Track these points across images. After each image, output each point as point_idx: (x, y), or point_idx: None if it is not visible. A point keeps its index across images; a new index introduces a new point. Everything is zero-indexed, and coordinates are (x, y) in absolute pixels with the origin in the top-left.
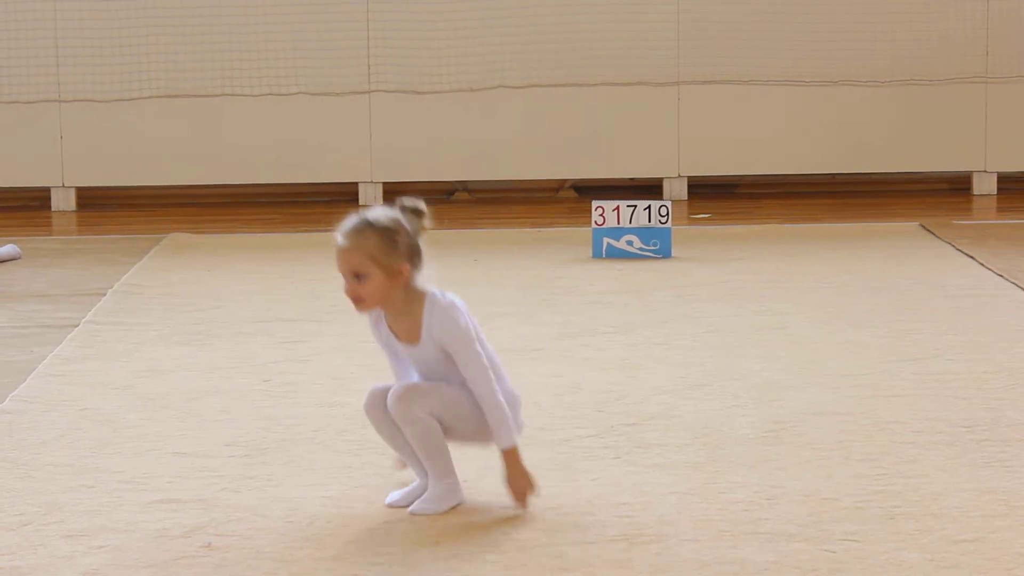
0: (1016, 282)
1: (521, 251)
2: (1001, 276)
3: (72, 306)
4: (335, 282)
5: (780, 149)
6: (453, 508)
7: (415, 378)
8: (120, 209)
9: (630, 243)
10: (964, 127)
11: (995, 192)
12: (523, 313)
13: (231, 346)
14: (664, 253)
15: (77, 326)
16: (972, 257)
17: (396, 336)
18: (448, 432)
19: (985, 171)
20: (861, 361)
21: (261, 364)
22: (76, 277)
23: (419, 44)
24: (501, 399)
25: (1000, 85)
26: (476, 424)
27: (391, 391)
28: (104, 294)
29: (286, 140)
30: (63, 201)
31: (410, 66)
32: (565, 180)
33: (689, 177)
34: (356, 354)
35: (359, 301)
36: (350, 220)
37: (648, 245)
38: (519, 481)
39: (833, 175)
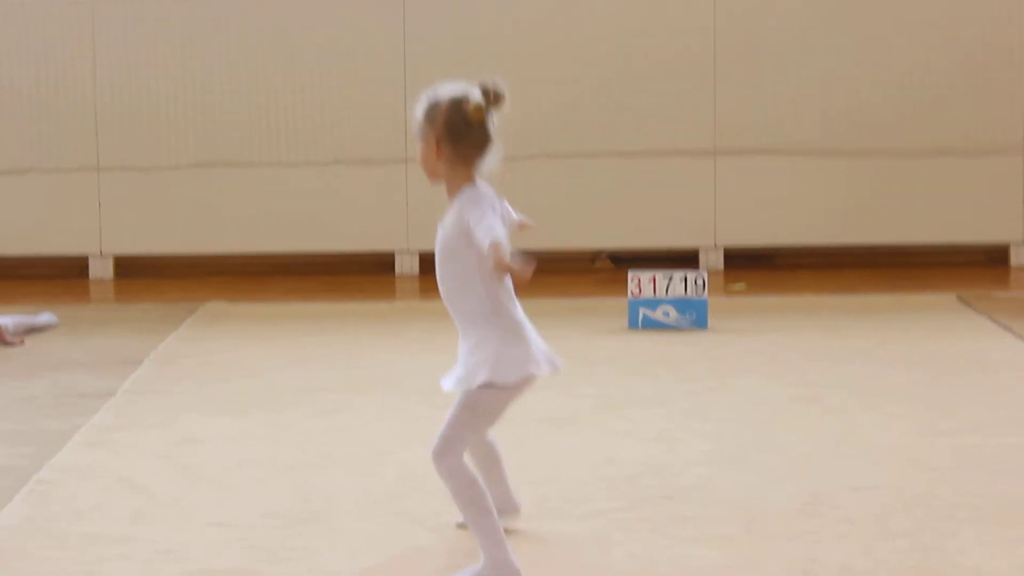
0: None
1: (557, 321)
2: None
3: (109, 375)
4: (372, 352)
5: (817, 219)
6: None
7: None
8: (158, 277)
9: (666, 314)
10: (1002, 198)
11: None
12: (559, 384)
13: (268, 416)
14: (700, 324)
15: (114, 395)
16: (1010, 330)
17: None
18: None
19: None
20: (898, 434)
21: (299, 434)
22: (113, 346)
23: None
24: (487, 227)
25: None
26: (498, 413)
27: None
28: (141, 363)
29: (323, 209)
30: (101, 269)
31: None
32: (601, 250)
33: (725, 247)
34: (394, 424)
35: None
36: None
37: (684, 316)
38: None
39: (870, 246)
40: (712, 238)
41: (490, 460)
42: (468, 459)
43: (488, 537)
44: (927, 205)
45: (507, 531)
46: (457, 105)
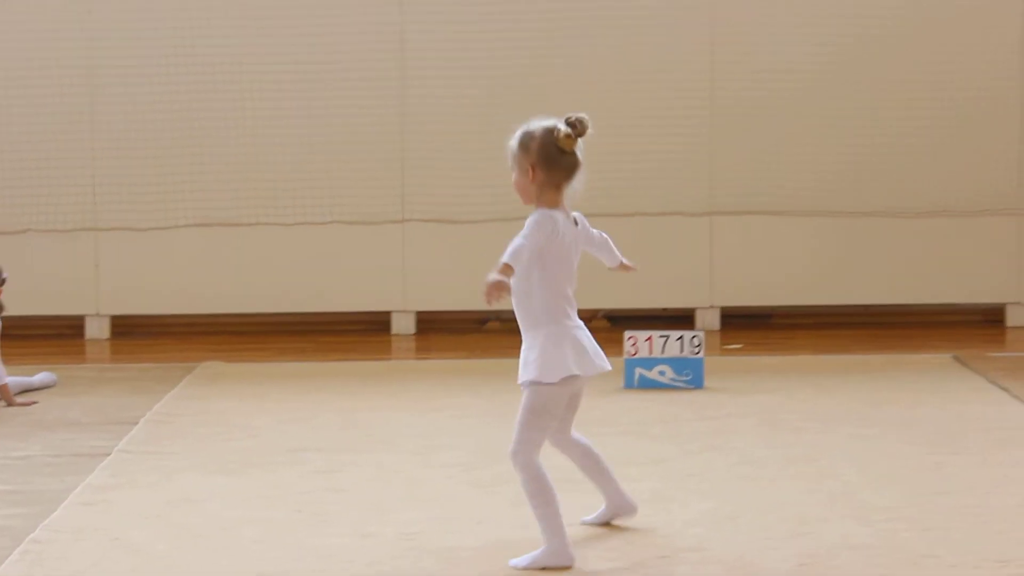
0: None
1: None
2: None
3: (105, 435)
4: (368, 412)
5: (813, 280)
6: (555, 569)
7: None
8: (154, 337)
9: (663, 373)
10: (998, 259)
11: None
12: None
13: (264, 475)
14: (697, 384)
15: (110, 455)
16: (1006, 390)
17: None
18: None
19: (1019, 303)
20: (894, 494)
21: (295, 494)
22: (109, 405)
23: (453, 174)
24: (513, 250)
25: None
26: (554, 409)
27: None
28: (137, 423)
29: (320, 269)
30: (98, 329)
31: (444, 195)
32: (598, 310)
33: (722, 307)
34: (390, 484)
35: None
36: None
37: (681, 376)
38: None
39: (866, 306)
40: (708, 298)
41: (589, 459)
42: (573, 463)
43: (548, 526)
44: (922, 265)
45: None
46: (549, 134)
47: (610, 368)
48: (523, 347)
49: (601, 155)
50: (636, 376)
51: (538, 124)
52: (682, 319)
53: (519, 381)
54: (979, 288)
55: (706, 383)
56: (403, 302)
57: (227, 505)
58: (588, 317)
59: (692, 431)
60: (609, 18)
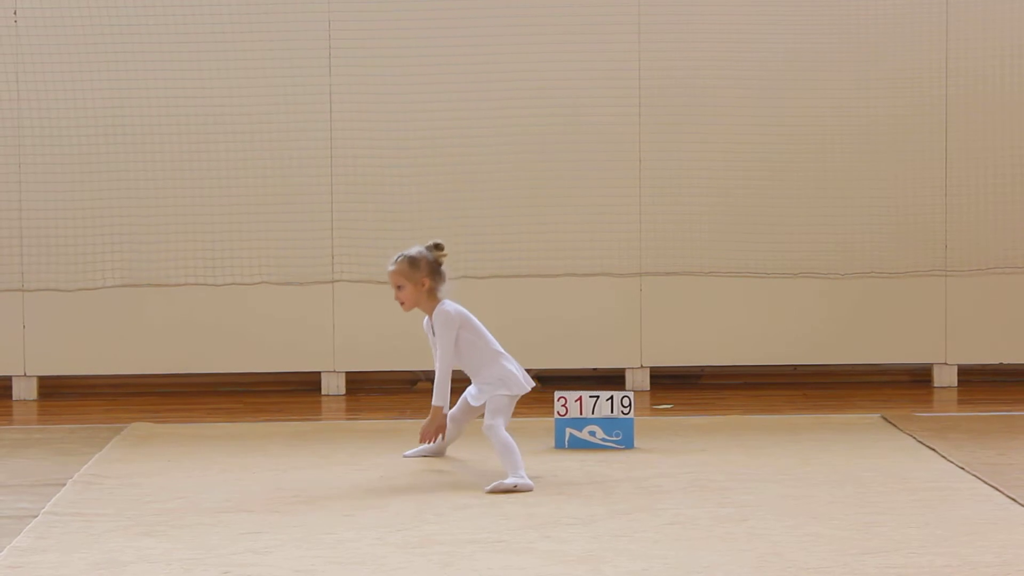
0: (978, 475)
1: (483, 441)
2: (963, 469)
3: (31, 497)
4: (297, 472)
5: (741, 340)
6: (520, 490)
7: (437, 355)
8: (82, 398)
9: (593, 434)
10: (924, 320)
11: (956, 384)
12: (485, 504)
13: (191, 537)
14: (627, 444)
15: (36, 517)
16: (934, 450)
17: (432, 329)
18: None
19: (946, 363)
20: (823, 554)
21: (222, 556)
22: (36, 467)
23: (383, 235)
24: (444, 377)
25: (959, 278)
26: (504, 400)
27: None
28: (64, 484)
29: (249, 330)
30: (25, 390)
31: (374, 256)
32: (528, 370)
33: (651, 368)
34: (317, 546)
35: (402, 303)
36: (396, 255)
37: (611, 436)
38: (430, 426)
39: (794, 366)
40: (638, 358)
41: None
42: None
43: (511, 463)
44: (850, 326)
45: None
46: (432, 252)
47: (536, 384)
48: (478, 380)
49: (529, 217)
50: (566, 436)
51: (415, 249)
52: (612, 379)
53: (478, 403)
54: (906, 349)
55: (636, 443)
56: (333, 362)
57: (154, 567)
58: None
59: (622, 491)
60: (540, 90)
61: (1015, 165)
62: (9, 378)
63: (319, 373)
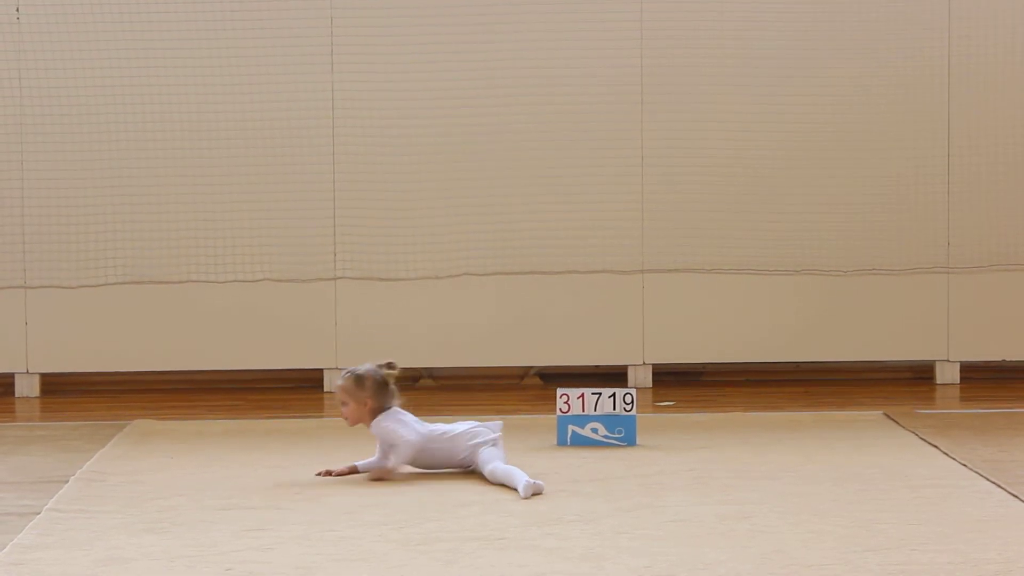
0: (979, 472)
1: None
2: (964, 466)
3: (34, 494)
4: (299, 469)
5: (744, 337)
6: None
7: (379, 450)
8: (84, 395)
9: (595, 431)
10: (927, 316)
11: (958, 381)
12: (488, 501)
13: (194, 534)
14: (629, 441)
15: (39, 514)
16: (936, 447)
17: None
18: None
19: (948, 360)
20: (825, 551)
21: (224, 552)
22: (38, 464)
23: (386, 231)
24: (400, 462)
25: (962, 275)
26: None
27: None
28: (67, 481)
29: (251, 327)
30: (27, 387)
31: (376, 253)
32: (530, 367)
33: (653, 365)
34: (319, 542)
35: (345, 419)
36: (345, 371)
37: (613, 433)
38: (381, 475)
39: (797, 363)
40: (640, 355)
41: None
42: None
43: (519, 476)
44: (853, 323)
45: None
46: (380, 373)
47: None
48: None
49: (532, 214)
50: (568, 433)
51: (365, 367)
52: (614, 377)
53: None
54: (909, 345)
55: (638, 440)
56: (335, 359)
57: (156, 564)
58: (520, 375)
59: (624, 488)
60: (543, 86)
61: (1018, 162)
62: (12, 375)
63: (321, 370)
